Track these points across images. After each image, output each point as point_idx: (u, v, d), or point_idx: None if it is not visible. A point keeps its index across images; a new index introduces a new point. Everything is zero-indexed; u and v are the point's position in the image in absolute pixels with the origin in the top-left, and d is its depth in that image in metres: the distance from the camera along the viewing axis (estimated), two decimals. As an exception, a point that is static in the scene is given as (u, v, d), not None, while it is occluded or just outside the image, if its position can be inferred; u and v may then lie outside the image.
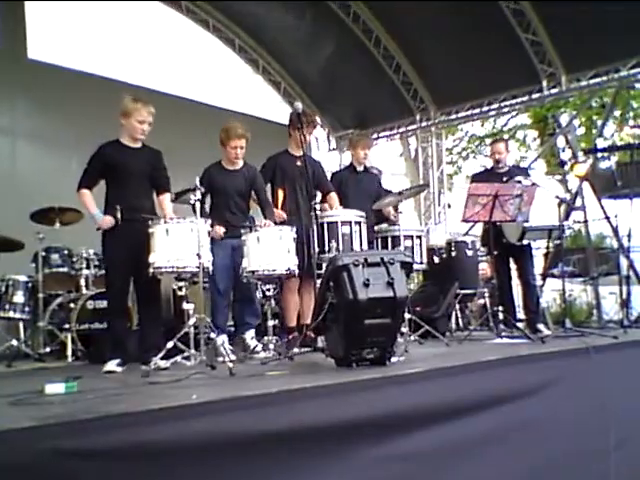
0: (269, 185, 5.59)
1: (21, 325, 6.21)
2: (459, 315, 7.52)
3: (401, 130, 11.50)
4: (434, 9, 8.97)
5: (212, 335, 4.20)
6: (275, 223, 5.10)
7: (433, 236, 10.37)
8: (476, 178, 6.41)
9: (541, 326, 6.03)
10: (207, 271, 4.28)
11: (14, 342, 5.68)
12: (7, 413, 2.51)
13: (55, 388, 2.98)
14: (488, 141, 18.91)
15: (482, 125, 18.29)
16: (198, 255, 4.10)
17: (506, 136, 18.27)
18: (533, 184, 5.68)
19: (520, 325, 5.94)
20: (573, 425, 3.98)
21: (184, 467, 2.27)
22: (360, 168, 6.30)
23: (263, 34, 10.80)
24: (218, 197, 5.20)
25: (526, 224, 5.76)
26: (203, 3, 10.17)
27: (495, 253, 5.77)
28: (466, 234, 8.09)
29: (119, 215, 4.31)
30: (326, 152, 12.00)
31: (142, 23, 10.96)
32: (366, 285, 3.48)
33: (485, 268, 7.70)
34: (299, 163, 5.43)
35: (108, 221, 4.36)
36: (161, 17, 10.54)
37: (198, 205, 4.19)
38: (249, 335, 5.20)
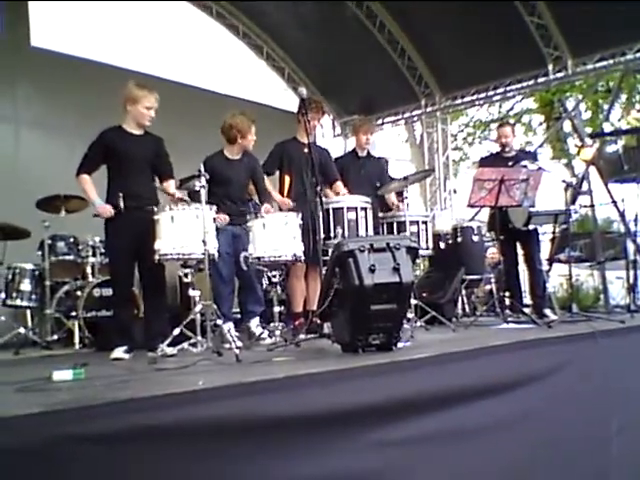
0: (277, 171, 5.59)
1: (28, 313, 6.25)
2: (465, 301, 7.52)
3: (406, 115, 11.43)
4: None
5: (219, 322, 4.21)
6: (280, 210, 5.10)
7: (439, 222, 10.35)
8: (483, 162, 6.38)
9: (547, 311, 6.02)
10: (212, 258, 4.28)
11: (21, 330, 5.72)
12: (15, 399, 2.52)
13: (63, 375, 2.99)
14: (494, 126, 18.85)
15: (487, 110, 18.18)
16: (204, 242, 4.10)
17: (512, 121, 18.21)
18: (539, 168, 5.66)
19: (526, 310, 5.93)
20: (578, 410, 3.98)
21: (191, 452, 2.28)
22: (363, 153, 6.27)
23: (267, 20, 10.73)
24: (219, 186, 5.16)
25: (532, 209, 5.74)
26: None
27: (501, 238, 5.76)
28: (472, 219, 8.07)
29: (122, 203, 4.29)
30: (331, 138, 11.97)
31: (144, 10, 10.91)
32: (372, 271, 3.47)
33: (494, 253, 7.68)
34: (306, 150, 5.38)
35: (107, 210, 4.32)
36: (163, 3, 10.47)
37: (203, 192, 4.18)
38: (254, 323, 5.21)
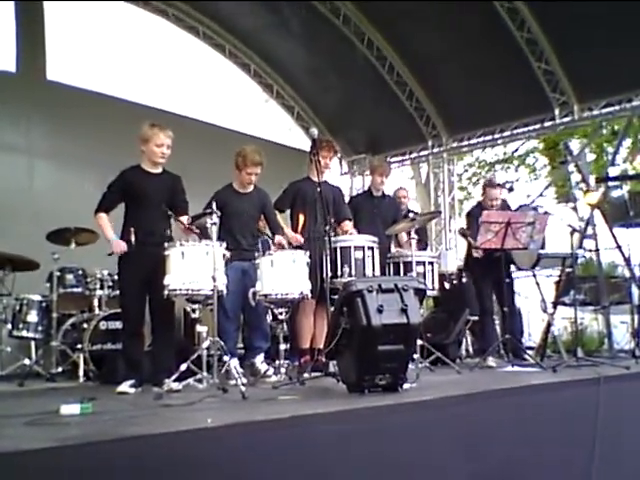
0: (289, 210, 5.65)
1: (32, 344, 6.24)
2: (469, 342, 7.51)
3: (413, 156, 11.55)
4: (447, 36, 9.10)
5: (225, 358, 4.21)
6: (290, 245, 5.15)
7: (444, 262, 10.34)
8: (471, 214, 6.36)
9: (490, 360, 5.82)
10: (221, 294, 4.30)
11: (26, 361, 5.72)
12: (24, 433, 2.53)
13: (70, 409, 2.99)
14: (498, 167, 18.97)
15: (492, 150, 18.28)
16: (213, 278, 4.13)
17: (516, 162, 18.33)
18: (545, 212, 5.72)
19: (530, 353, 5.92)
20: (579, 455, 3.97)
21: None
22: (377, 193, 6.35)
23: (278, 60, 10.93)
24: (229, 220, 5.21)
25: (541, 251, 5.78)
26: (220, 29, 10.27)
27: (507, 281, 5.77)
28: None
29: (133, 238, 4.37)
30: (338, 176, 12.05)
31: (158, 46, 11.14)
32: (380, 311, 3.50)
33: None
34: (319, 189, 5.41)
35: (120, 246, 4.40)
36: (176, 41, 10.70)
37: (215, 229, 4.22)
38: (259, 360, 5.21)
